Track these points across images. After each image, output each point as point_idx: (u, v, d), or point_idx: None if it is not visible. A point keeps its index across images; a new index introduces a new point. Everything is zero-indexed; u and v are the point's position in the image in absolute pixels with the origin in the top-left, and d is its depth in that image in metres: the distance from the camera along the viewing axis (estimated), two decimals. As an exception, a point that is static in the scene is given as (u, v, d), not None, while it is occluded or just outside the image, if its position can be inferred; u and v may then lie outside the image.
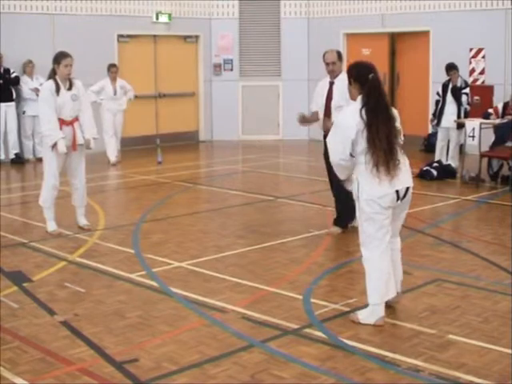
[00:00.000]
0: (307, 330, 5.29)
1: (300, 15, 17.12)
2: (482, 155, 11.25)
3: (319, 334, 5.22)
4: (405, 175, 5.56)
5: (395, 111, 5.47)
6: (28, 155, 14.23)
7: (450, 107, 12.41)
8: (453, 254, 7.41)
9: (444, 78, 15.03)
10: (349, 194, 5.84)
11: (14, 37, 13.90)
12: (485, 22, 14.09)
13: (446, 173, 11.68)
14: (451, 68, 12.64)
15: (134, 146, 15.24)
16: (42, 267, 6.94)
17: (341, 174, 5.64)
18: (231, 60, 17.17)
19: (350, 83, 5.52)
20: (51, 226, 8.21)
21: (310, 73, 17.12)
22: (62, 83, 7.90)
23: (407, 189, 5.64)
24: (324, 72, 8.20)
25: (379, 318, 5.37)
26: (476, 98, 14.27)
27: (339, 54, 8.09)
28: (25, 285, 6.39)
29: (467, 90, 12.51)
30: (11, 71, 13.69)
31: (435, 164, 11.80)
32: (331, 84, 8.01)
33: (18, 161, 13.91)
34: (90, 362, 4.77)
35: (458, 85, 12.47)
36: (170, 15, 16.25)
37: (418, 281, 6.48)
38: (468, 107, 12.40)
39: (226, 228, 8.52)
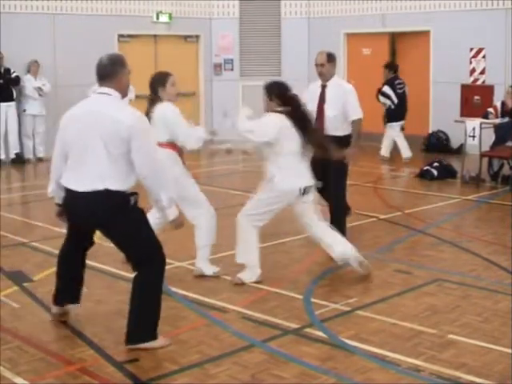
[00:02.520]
0: (307, 330, 5.30)
1: (300, 15, 17.11)
2: (483, 155, 11.25)
3: (320, 333, 5.22)
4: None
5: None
6: (28, 155, 14.22)
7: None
8: (453, 254, 7.42)
9: (443, 77, 15.09)
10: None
11: (15, 37, 13.89)
12: (485, 22, 14.08)
13: (447, 172, 11.68)
14: (383, 66, 13.78)
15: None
16: (42, 267, 6.94)
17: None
18: (231, 60, 17.16)
19: (270, 99, 6.40)
20: None
21: (311, 73, 17.06)
22: None
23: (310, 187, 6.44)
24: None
25: (259, 276, 6.37)
26: (476, 97, 14.29)
27: (330, 56, 7.69)
28: (25, 284, 6.39)
29: (384, 89, 13.52)
30: (11, 71, 13.69)
31: (435, 164, 11.80)
32: (323, 87, 7.69)
33: (19, 160, 13.91)
34: (90, 361, 4.77)
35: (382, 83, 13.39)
36: (170, 15, 16.25)
37: (418, 280, 6.48)
38: (388, 105, 13.54)
39: (226, 228, 8.51)
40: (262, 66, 17.24)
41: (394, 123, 13.74)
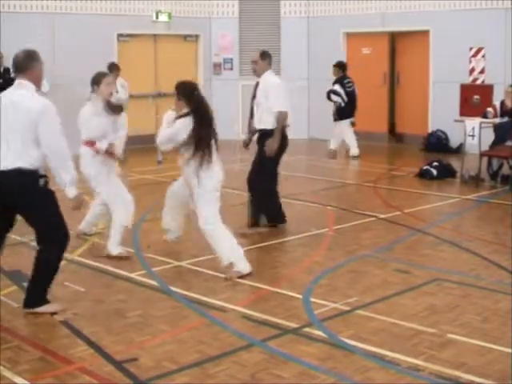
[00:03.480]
0: (307, 330, 5.29)
1: (300, 14, 17.11)
2: (482, 154, 11.25)
3: (319, 333, 5.22)
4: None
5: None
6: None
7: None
8: (453, 254, 7.41)
9: (443, 77, 15.10)
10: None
11: (15, 36, 13.88)
12: (485, 21, 14.09)
13: (446, 172, 11.67)
14: (334, 65, 14.11)
15: (134, 146, 15.17)
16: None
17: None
18: (231, 59, 17.16)
19: (178, 98, 6.68)
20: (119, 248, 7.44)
21: (310, 72, 17.12)
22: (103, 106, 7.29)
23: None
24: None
25: (248, 267, 6.58)
26: (476, 97, 14.29)
27: (262, 54, 8.08)
28: (25, 284, 6.36)
29: (334, 87, 13.90)
30: (11, 70, 13.67)
31: (435, 163, 11.79)
32: (257, 84, 8.16)
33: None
34: (89, 361, 4.77)
35: (332, 82, 13.80)
36: (169, 14, 16.25)
37: (418, 280, 6.48)
38: (338, 102, 13.94)
39: (226, 227, 8.50)
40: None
41: (344, 120, 14.11)
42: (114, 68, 13.71)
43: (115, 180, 7.41)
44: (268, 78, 8.06)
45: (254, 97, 8.22)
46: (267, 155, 8.03)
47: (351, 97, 14.20)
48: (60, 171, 5.45)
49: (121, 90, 13.68)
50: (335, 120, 14.35)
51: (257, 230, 8.18)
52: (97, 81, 7.27)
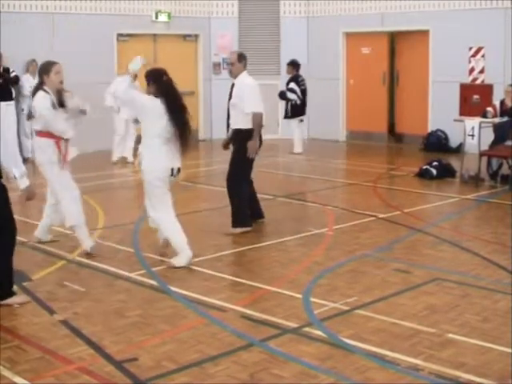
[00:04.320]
0: (307, 329, 5.30)
1: (299, 14, 17.11)
2: (482, 154, 11.25)
3: (319, 333, 5.22)
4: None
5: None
6: (27, 154, 14.19)
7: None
8: (452, 253, 7.42)
9: (443, 76, 15.09)
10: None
11: (15, 36, 13.88)
12: (484, 21, 14.09)
13: (446, 172, 11.68)
14: (287, 64, 14.33)
15: (135, 145, 15.19)
16: (41, 266, 6.94)
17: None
18: (231, 59, 17.15)
19: (148, 85, 6.83)
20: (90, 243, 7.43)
21: (310, 72, 17.10)
22: (54, 96, 7.19)
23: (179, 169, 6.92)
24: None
25: (191, 258, 6.87)
26: (475, 96, 14.28)
27: (240, 56, 8.21)
28: (24, 284, 6.39)
29: (291, 85, 14.01)
30: (11, 70, 13.68)
31: (435, 163, 11.79)
32: (233, 85, 8.30)
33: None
34: (89, 360, 4.77)
35: (287, 80, 14.00)
36: (169, 14, 16.25)
37: (417, 280, 6.48)
38: (295, 100, 14.15)
39: (226, 227, 8.51)
40: (262, 65, 17.21)
41: (295, 118, 14.30)
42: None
43: (67, 174, 7.31)
44: (243, 80, 8.17)
45: (229, 98, 8.33)
46: (249, 156, 8.14)
47: (304, 95, 14.59)
48: (9, 165, 5.74)
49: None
50: (287, 118, 14.64)
51: (242, 230, 8.16)
52: (46, 70, 7.13)
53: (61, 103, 7.17)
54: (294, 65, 14.56)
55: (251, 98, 8.04)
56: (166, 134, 6.75)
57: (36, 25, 14.28)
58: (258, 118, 8.03)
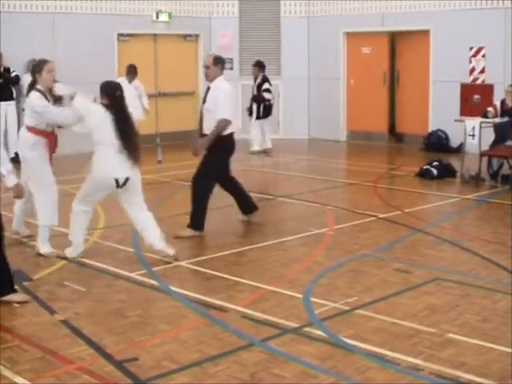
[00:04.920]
0: (307, 329, 5.30)
1: (300, 14, 17.11)
2: (482, 154, 11.25)
3: (319, 332, 5.23)
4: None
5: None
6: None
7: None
8: (453, 253, 7.42)
9: (443, 76, 15.08)
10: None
11: (15, 36, 13.89)
12: (485, 21, 14.09)
13: (446, 172, 11.67)
14: (253, 65, 14.15)
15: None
16: (42, 266, 6.95)
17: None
18: (231, 59, 17.14)
19: (101, 97, 7.01)
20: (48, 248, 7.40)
21: (310, 72, 17.12)
22: (48, 94, 7.27)
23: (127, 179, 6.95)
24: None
25: (80, 253, 7.17)
26: (476, 96, 14.27)
27: (215, 59, 8.08)
28: (25, 284, 6.39)
29: (266, 86, 13.92)
30: (11, 70, 13.68)
31: (435, 163, 11.79)
32: (208, 89, 8.15)
33: (18, 160, 13.84)
34: (89, 360, 4.78)
35: (258, 81, 13.83)
36: (170, 14, 16.25)
37: (417, 280, 6.48)
38: (270, 101, 14.09)
39: (226, 227, 8.52)
40: (262, 65, 17.24)
41: (266, 118, 14.26)
42: (131, 70, 13.71)
43: (49, 171, 7.34)
44: (219, 85, 8.03)
45: (203, 101, 8.21)
46: (192, 153, 8.26)
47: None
48: None
49: (135, 92, 13.64)
50: (259, 118, 14.53)
51: (192, 234, 8.00)
52: (38, 69, 7.18)
53: (54, 100, 7.25)
54: (260, 66, 14.41)
55: (224, 104, 7.90)
56: (109, 142, 6.87)
57: (36, 25, 14.27)
58: (223, 124, 7.92)
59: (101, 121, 6.86)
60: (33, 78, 7.26)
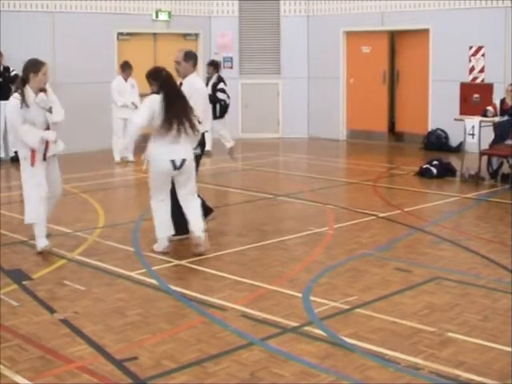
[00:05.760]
0: (307, 328, 5.30)
1: (300, 13, 17.11)
2: (482, 153, 11.25)
3: (319, 331, 5.23)
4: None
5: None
6: (28, 153, 14.19)
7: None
8: (452, 252, 7.42)
9: (443, 76, 15.08)
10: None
11: (14, 35, 13.89)
12: (484, 20, 14.09)
13: (446, 171, 11.68)
14: (208, 65, 13.92)
15: (135, 144, 15.21)
16: (41, 265, 6.95)
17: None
18: (231, 58, 17.16)
19: (150, 84, 7.20)
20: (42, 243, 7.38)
21: (310, 71, 17.13)
22: (34, 94, 7.18)
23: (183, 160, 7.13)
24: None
25: (165, 247, 7.31)
26: (476, 95, 14.29)
27: (186, 55, 7.75)
28: (25, 283, 6.39)
29: (221, 86, 13.57)
30: (11, 69, 13.68)
31: (435, 162, 11.80)
32: (180, 84, 7.75)
33: (18, 159, 13.85)
34: (89, 359, 4.78)
35: (213, 81, 13.56)
36: (169, 13, 16.25)
37: (417, 279, 6.48)
38: (225, 101, 13.65)
39: (226, 226, 8.52)
40: (262, 64, 17.26)
41: (223, 118, 14.00)
42: (127, 67, 13.71)
43: (41, 172, 7.26)
44: (194, 82, 7.75)
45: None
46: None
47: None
48: None
49: (131, 90, 13.66)
50: (216, 118, 14.06)
51: (177, 238, 7.70)
52: (35, 69, 7.10)
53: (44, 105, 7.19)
54: (215, 65, 13.99)
55: (197, 103, 7.52)
56: (165, 127, 7.01)
57: (36, 24, 14.27)
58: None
59: (159, 108, 7.00)
60: (25, 76, 7.11)
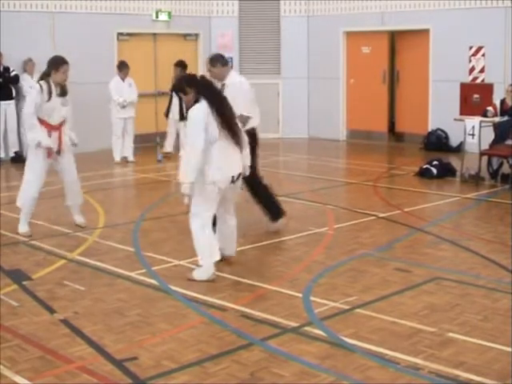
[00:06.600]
0: (307, 328, 5.30)
1: (300, 13, 17.10)
2: (482, 153, 11.25)
3: (319, 332, 5.23)
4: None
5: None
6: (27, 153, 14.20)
7: (174, 100, 13.45)
8: (452, 252, 7.42)
9: (443, 76, 15.07)
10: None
11: (14, 35, 13.88)
12: (484, 20, 14.08)
13: (446, 171, 11.67)
14: (175, 65, 13.75)
15: (134, 144, 15.21)
16: (41, 265, 6.95)
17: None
18: (231, 58, 17.12)
19: (185, 93, 6.44)
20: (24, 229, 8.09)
21: (310, 71, 17.12)
22: (55, 88, 7.79)
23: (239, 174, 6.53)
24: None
25: (211, 275, 6.40)
26: (476, 96, 14.28)
27: (211, 60, 7.79)
28: (25, 283, 6.39)
29: None
30: (11, 69, 13.68)
31: (435, 162, 11.79)
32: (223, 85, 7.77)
33: (18, 159, 13.89)
34: (89, 360, 4.78)
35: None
36: (169, 13, 16.24)
37: (417, 279, 6.48)
38: None
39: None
40: (262, 65, 17.25)
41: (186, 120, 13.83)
42: (123, 67, 13.71)
43: (39, 164, 7.82)
44: (234, 84, 7.78)
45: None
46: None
47: None
48: None
49: (128, 89, 13.65)
50: (184, 119, 14.01)
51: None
52: (56, 66, 7.80)
53: (61, 94, 7.84)
54: (181, 65, 13.85)
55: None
56: (215, 136, 6.27)
57: (36, 24, 14.26)
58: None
59: (211, 118, 6.26)
60: (48, 71, 7.75)
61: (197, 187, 6.29)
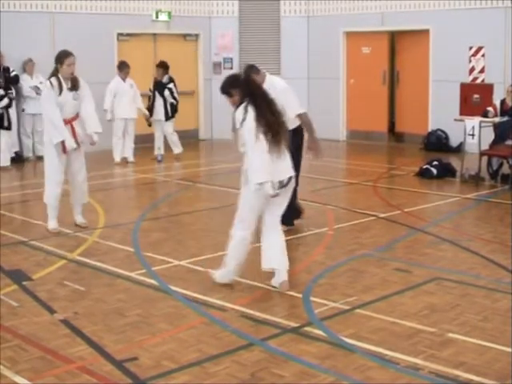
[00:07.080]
0: (307, 329, 5.30)
1: (300, 13, 17.11)
2: (482, 154, 11.25)
3: (319, 332, 5.23)
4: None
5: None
6: (28, 154, 14.21)
7: (159, 101, 13.58)
8: (452, 253, 7.42)
9: (443, 76, 15.06)
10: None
11: (15, 35, 13.88)
12: (484, 21, 14.09)
13: (446, 171, 11.68)
14: (157, 66, 13.81)
15: (134, 145, 15.21)
16: (42, 266, 6.95)
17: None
18: (231, 58, 17.16)
19: (229, 96, 6.17)
20: (52, 224, 8.25)
21: (310, 71, 17.12)
22: (65, 82, 7.91)
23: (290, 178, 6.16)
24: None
25: (230, 280, 6.25)
26: (476, 96, 14.28)
27: (246, 70, 7.55)
28: (25, 283, 6.39)
29: (170, 86, 13.60)
30: (11, 70, 13.67)
31: (435, 162, 11.80)
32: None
33: (18, 159, 13.89)
34: (89, 360, 4.78)
35: (164, 81, 13.57)
36: (169, 13, 16.24)
37: (417, 279, 6.48)
38: (174, 101, 13.68)
39: (226, 226, 8.49)
40: (262, 65, 17.06)
41: (171, 120, 13.80)
42: (124, 67, 13.71)
43: (55, 160, 8.03)
44: (273, 84, 7.99)
45: None
46: (318, 155, 8.57)
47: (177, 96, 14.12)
48: None
49: (129, 89, 13.64)
50: (169, 119, 13.82)
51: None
52: (59, 60, 7.88)
53: (72, 88, 7.96)
54: (163, 66, 13.77)
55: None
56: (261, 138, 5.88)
57: (36, 24, 14.27)
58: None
59: (252, 120, 5.89)
60: (55, 65, 7.89)
61: (243, 191, 6.14)
